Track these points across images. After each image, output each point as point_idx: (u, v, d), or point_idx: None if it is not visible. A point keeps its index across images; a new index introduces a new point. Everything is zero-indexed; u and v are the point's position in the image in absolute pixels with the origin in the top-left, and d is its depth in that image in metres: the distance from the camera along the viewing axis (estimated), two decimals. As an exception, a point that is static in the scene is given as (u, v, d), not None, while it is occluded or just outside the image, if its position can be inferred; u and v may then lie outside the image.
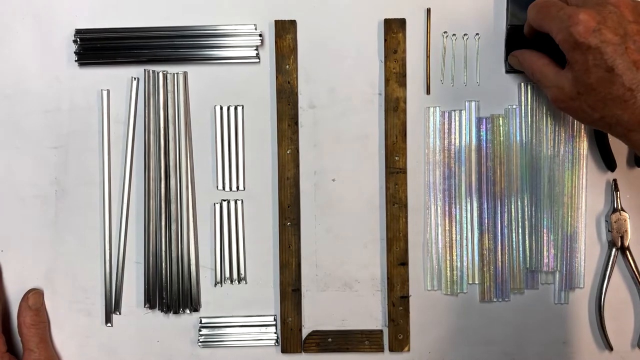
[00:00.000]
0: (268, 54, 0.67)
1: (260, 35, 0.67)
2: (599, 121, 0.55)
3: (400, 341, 0.67)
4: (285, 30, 0.67)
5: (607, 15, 0.53)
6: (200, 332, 0.68)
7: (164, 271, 0.67)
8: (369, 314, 0.68)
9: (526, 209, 0.67)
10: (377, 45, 0.67)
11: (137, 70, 0.67)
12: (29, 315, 0.65)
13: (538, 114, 0.67)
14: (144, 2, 0.67)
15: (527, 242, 0.67)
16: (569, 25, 0.53)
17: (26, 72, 0.68)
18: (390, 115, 0.67)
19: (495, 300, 0.67)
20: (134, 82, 0.67)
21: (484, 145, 0.67)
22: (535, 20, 0.59)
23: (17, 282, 0.68)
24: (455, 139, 0.67)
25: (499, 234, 0.67)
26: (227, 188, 0.68)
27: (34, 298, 0.66)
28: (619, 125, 0.54)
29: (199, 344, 0.68)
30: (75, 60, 0.67)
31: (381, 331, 0.68)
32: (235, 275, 0.68)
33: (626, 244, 0.66)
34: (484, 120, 0.67)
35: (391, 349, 0.67)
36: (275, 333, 0.68)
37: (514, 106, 0.67)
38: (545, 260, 0.67)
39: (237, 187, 0.68)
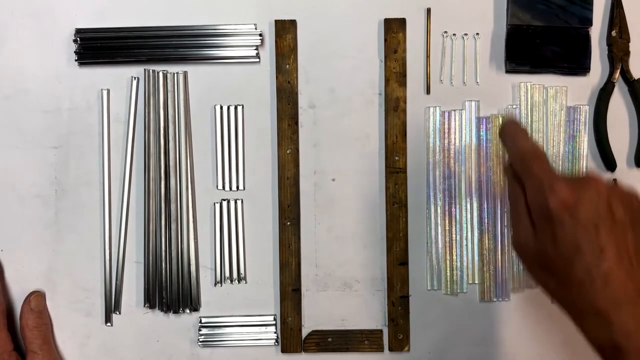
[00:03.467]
0: (268, 54, 0.67)
1: (260, 35, 0.67)
2: (553, 290, 0.52)
3: (400, 341, 0.67)
4: (285, 30, 0.67)
5: (585, 194, 0.49)
6: (200, 332, 0.68)
7: (163, 271, 0.67)
8: (369, 313, 0.68)
9: (526, 209, 0.67)
10: (377, 45, 0.67)
11: (137, 70, 0.67)
12: (31, 317, 0.65)
13: (538, 114, 0.67)
14: (144, 2, 0.67)
15: (527, 242, 0.67)
16: (546, 192, 0.49)
17: (26, 72, 0.68)
18: (390, 115, 0.67)
19: (495, 300, 0.67)
20: (134, 82, 0.67)
21: (484, 145, 0.67)
22: (516, 164, 0.53)
23: (17, 281, 0.68)
24: (455, 138, 0.67)
25: (499, 234, 0.67)
26: (227, 188, 0.68)
27: (36, 300, 0.66)
28: (572, 303, 0.51)
29: (199, 343, 0.68)
30: (75, 60, 0.67)
31: (381, 331, 0.68)
32: (235, 275, 0.68)
33: (626, 244, 0.66)
34: (484, 120, 0.67)
35: (391, 349, 0.67)
36: (275, 333, 0.68)
37: (514, 106, 0.67)
38: (545, 260, 0.67)
39: (237, 187, 0.68)
